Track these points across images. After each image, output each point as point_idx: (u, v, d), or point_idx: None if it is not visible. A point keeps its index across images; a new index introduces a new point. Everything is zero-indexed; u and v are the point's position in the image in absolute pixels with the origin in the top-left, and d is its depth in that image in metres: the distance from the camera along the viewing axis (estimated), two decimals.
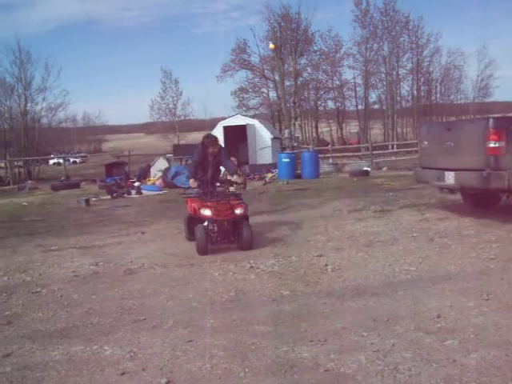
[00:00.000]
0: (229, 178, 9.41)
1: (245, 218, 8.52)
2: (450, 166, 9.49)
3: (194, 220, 8.70)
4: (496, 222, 9.15)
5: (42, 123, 47.80)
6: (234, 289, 6.22)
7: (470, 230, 8.69)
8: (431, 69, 63.61)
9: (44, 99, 45.54)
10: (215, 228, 8.24)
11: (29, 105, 44.66)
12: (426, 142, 10.53)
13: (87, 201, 16.44)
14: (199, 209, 8.29)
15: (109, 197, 18.34)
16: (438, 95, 66.79)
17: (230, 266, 7.26)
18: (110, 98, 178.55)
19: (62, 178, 27.66)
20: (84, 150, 76.04)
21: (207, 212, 8.16)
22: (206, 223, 8.25)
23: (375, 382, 3.67)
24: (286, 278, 6.54)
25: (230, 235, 8.33)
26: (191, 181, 8.99)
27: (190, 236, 8.76)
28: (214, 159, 9.06)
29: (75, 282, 6.95)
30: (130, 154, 31.18)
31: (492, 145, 8.55)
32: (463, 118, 47.30)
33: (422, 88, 64.38)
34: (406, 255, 7.33)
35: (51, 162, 55.50)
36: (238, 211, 8.26)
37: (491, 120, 8.79)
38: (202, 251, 7.93)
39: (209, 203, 8.31)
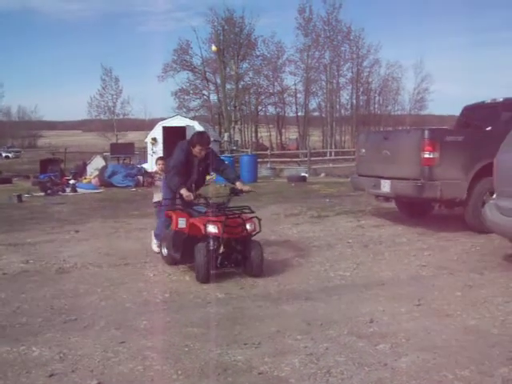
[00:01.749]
0: (239, 185, 7.21)
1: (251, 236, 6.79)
2: (385, 175, 9.71)
3: (184, 238, 6.89)
4: (428, 230, 9.42)
5: None
6: (168, 290, 6.15)
7: (403, 238, 8.91)
8: (370, 79, 65.27)
9: None
10: (221, 249, 6.63)
11: None
12: (364, 150, 10.74)
13: (19, 197, 15.92)
14: (204, 225, 6.46)
15: (42, 194, 17.84)
16: (376, 105, 68.50)
17: (166, 267, 7.18)
18: (47, 92, 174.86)
19: None
20: (18, 145, 73.88)
21: (213, 229, 6.42)
22: (207, 243, 6.51)
23: None
24: (221, 280, 6.50)
25: (237, 257, 6.72)
26: (183, 191, 6.89)
27: (182, 258, 6.95)
28: (200, 162, 7.40)
29: (3, 280, 6.71)
30: (66, 151, 30.50)
31: (427, 155, 8.80)
32: (400, 128, 48.46)
33: (361, 97, 65.89)
34: (341, 261, 7.43)
35: None
36: (249, 227, 6.63)
37: (426, 131, 9.05)
38: (204, 278, 6.36)
39: (215, 218, 6.57)
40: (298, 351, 4.28)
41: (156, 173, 10.08)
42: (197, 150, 7.26)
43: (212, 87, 58.73)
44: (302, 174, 23.74)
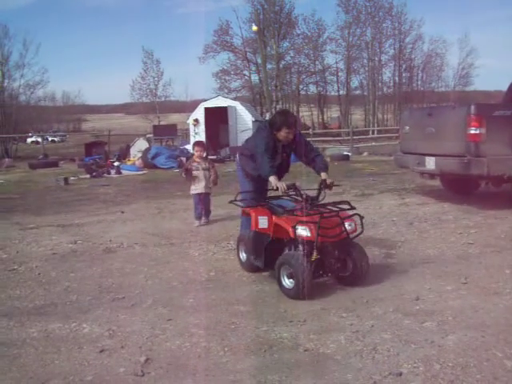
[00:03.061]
0: (325, 177, 5.96)
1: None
2: (430, 152, 9.55)
3: (268, 242, 5.64)
4: (474, 207, 9.26)
5: (19, 101, 46.92)
6: (213, 268, 6.22)
7: (449, 216, 8.78)
8: (413, 56, 63.77)
9: (22, 76, 44.70)
10: (313, 255, 5.15)
11: (6, 81, 43.87)
12: (408, 127, 10.58)
13: (66, 179, 16.29)
14: (293, 226, 5.16)
15: (88, 176, 18.19)
16: (419, 82, 66.98)
17: (210, 246, 7.25)
18: (90, 76, 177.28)
19: (41, 157, 27.36)
20: (63, 130, 75.19)
21: (305, 232, 5.16)
22: (299, 248, 5.23)
23: (354, 361, 3.69)
24: None
25: (337, 264, 5.35)
26: (273, 179, 5.65)
27: (266, 266, 5.66)
28: (284, 148, 6.07)
29: (53, 259, 6.88)
30: (110, 134, 30.90)
31: (473, 131, 8.61)
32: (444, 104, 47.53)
33: (403, 75, 64.54)
34: (385, 239, 7.37)
35: (29, 140, 54.82)
36: (348, 227, 5.37)
37: (472, 106, 8.84)
38: (304, 293, 4.98)
39: (306, 217, 5.24)
40: (344, 328, 4.28)
41: (193, 161, 9.03)
42: (283, 133, 5.92)
43: (253, 67, 58.60)
44: (345, 153, 23.58)
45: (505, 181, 9.15)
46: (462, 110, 9.16)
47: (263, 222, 5.75)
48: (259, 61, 52.90)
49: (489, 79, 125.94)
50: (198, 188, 8.85)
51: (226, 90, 56.88)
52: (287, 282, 5.17)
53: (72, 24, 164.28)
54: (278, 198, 5.95)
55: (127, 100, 71.16)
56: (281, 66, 56.35)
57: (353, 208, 5.54)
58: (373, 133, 43.26)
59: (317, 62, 61.26)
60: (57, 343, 4.17)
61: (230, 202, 6.39)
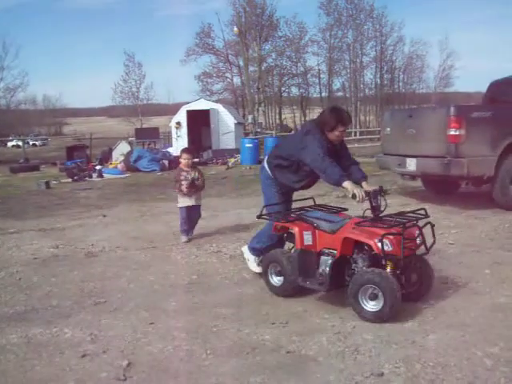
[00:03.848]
0: (366, 187, 5.15)
1: None
2: (411, 153, 9.63)
3: (334, 262, 4.85)
4: (455, 208, 9.34)
5: None
6: (196, 272, 6.21)
7: (430, 216, 8.81)
8: (394, 57, 64.21)
9: (1, 79, 44.51)
10: (388, 269, 4.58)
11: None
12: (389, 129, 10.65)
13: (47, 183, 16.15)
14: (380, 240, 4.42)
15: (70, 180, 18.06)
16: (400, 84, 67.46)
17: (193, 250, 7.23)
18: (72, 80, 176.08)
19: (22, 161, 27.09)
20: (44, 133, 74.71)
21: (389, 246, 4.49)
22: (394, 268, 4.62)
23: (336, 363, 3.71)
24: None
25: (411, 280, 4.83)
26: (349, 185, 4.94)
27: (329, 289, 4.93)
28: (329, 149, 5.23)
29: (35, 264, 6.83)
30: (92, 138, 30.70)
31: (453, 132, 8.70)
32: (425, 105, 47.83)
33: (385, 76, 64.97)
34: None
35: (10, 144, 54.40)
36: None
37: (452, 108, 8.92)
38: (393, 314, 4.42)
39: (388, 229, 4.61)
40: (326, 330, 4.30)
41: (181, 170, 7.86)
42: (337, 133, 5.21)
43: (235, 70, 58.60)
44: None
45: (485, 181, 9.25)
46: (441, 111, 9.26)
47: (307, 238, 5.10)
48: (241, 63, 52.90)
49: (469, 80, 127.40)
50: (186, 200, 7.79)
51: (208, 93, 56.87)
52: (370, 305, 4.47)
53: (53, 26, 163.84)
54: (301, 209, 5.55)
55: (109, 103, 70.98)
56: (263, 68, 56.38)
57: (427, 216, 4.96)
58: (355, 134, 43.37)
59: (299, 64, 61.42)
60: (38, 349, 4.15)
61: (259, 216, 5.53)
